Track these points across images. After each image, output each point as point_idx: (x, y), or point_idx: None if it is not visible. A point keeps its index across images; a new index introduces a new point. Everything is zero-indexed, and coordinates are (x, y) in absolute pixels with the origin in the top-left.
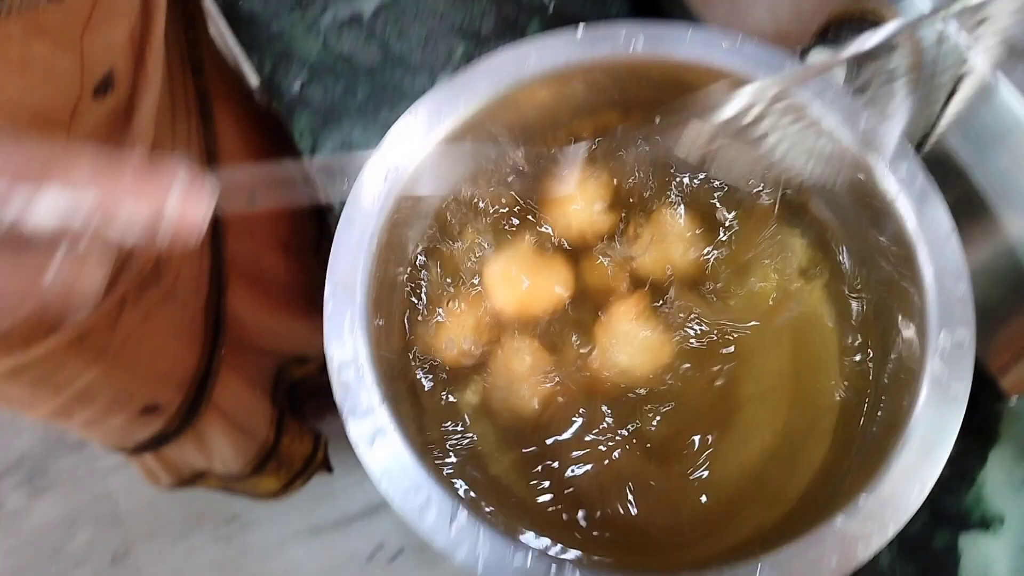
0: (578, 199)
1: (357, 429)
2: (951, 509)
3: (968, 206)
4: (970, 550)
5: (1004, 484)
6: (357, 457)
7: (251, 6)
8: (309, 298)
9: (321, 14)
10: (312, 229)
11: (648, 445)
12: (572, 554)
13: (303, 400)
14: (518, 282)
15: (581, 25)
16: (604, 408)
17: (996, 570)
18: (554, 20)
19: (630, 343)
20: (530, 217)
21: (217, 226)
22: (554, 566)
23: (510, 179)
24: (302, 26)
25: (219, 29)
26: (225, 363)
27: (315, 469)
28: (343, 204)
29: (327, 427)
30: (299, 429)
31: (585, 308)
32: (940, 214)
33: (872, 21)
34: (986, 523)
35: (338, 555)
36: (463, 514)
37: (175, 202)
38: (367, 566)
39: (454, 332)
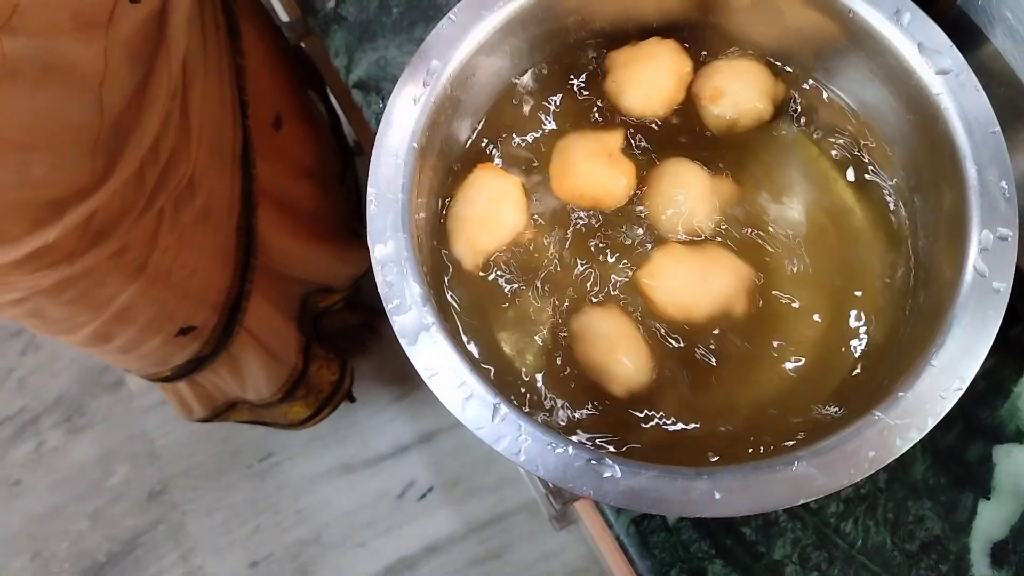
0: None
1: (401, 324)
2: (986, 421)
3: (1015, 108)
4: (1004, 461)
5: None
6: (387, 396)
7: None
8: (332, 227)
9: None
10: (336, 161)
11: (699, 349)
12: (611, 446)
13: (332, 333)
14: (575, 169)
15: None
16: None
17: None
18: None
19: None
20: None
21: (247, 147)
22: (593, 458)
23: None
24: None
25: None
26: (256, 288)
27: (343, 396)
28: (379, 120)
29: (355, 363)
30: (326, 356)
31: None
32: (985, 110)
33: None
34: (1020, 435)
35: (369, 493)
36: (505, 408)
37: None
38: (397, 503)
39: (501, 228)
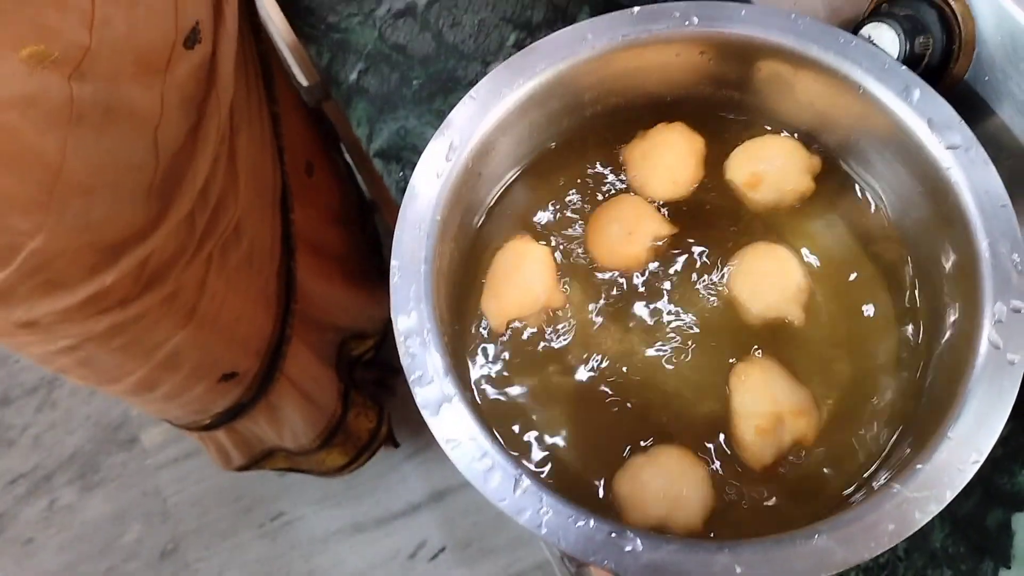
0: (664, 151)
1: (423, 396)
2: (1004, 488)
3: (1022, 181)
4: (1023, 529)
5: None
6: (399, 455)
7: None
8: (361, 271)
9: (376, 6)
10: (358, 208)
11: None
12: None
13: (365, 378)
14: (606, 233)
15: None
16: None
17: None
18: (604, 8)
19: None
20: (609, 177)
21: (285, 192)
22: (615, 530)
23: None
24: (358, 17)
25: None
26: (296, 334)
27: (380, 443)
28: (400, 186)
29: (388, 406)
30: (364, 403)
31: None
32: (995, 184)
33: None
34: None
35: (381, 552)
36: (527, 480)
37: None
38: (410, 563)
39: (524, 292)
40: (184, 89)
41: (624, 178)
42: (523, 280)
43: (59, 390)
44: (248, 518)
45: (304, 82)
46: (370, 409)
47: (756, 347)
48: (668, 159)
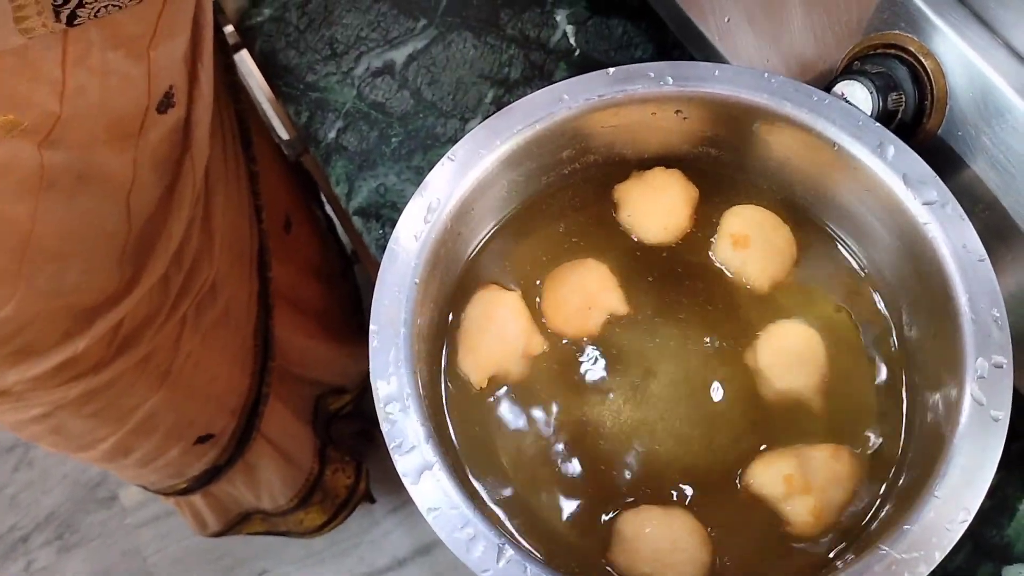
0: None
1: (404, 464)
2: (993, 541)
3: (999, 234)
4: None
5: None
6: (382, 509)
7: (287, 58)
8: (341, 326)
9: (355, 64)
10: (338, 260)
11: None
12: None
13: (343, 433)
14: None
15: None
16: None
17: None
18: (581, 65)
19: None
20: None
21: (263, 250)
22: None
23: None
24: (336, 76)
25: (250, 86)
26: (273, 391)
27: (358, 500)
28: (380, 244)
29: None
30: (341, 459)
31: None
32: (972, 239)
33: (898, 53)
34: None
35: None
36: (510, 550)
37: None
38: None
39: (500, 344)
40: (157, 153)
41: (616, 217)
42: (497, 329)
43: (36, 449)
44: None
45: (284, 135)
46: (347, 465)
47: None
48: (665, 202)
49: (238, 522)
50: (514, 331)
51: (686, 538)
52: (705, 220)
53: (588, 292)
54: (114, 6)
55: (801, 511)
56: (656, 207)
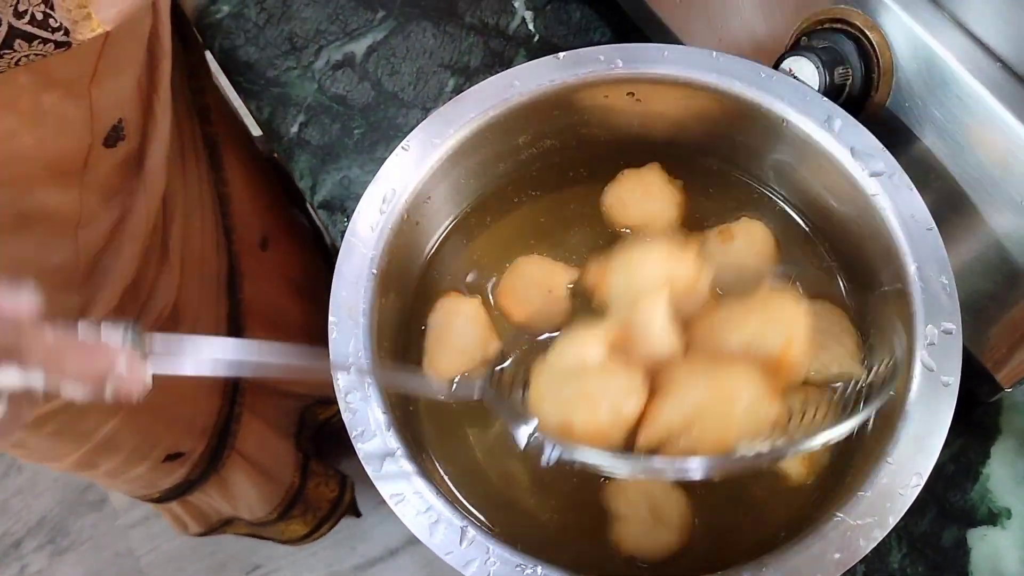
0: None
1: (365, 452)
2: (958, 505)
3: (950, 202)
4: (979, 545)
5: (1008, 478)
6: (372, 500)
7: (247, 54)
8: (324, 339)
9: (315, 58)
10: (322, 272)
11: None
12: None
13: (330, 442)
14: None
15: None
16: None
17: (1006, 563)
18: (540, 50)
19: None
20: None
21: (232, 273)
22: None
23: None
24: (297, 71)
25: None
26: (248, 408)
27: (342, 513)
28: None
29: (352, 468)
30: (325, 473)
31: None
32: (920, 209)
33: (844, 28)
34: (993, 517)
35: None
36: (472, 531)
37: (120, 370)
38: None
39: (460, 352)
40: (106, 186)
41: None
42: (456, 340)
43: None
44: (224, 574)
45: (256, 132)
46: (331, 479)
47: None
48: (654, 196)
49: (220, 526)
50: (472, 339)
51: (669, 496)
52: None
53: (542, 280)
54: (37, 55)
55: (792, 464)
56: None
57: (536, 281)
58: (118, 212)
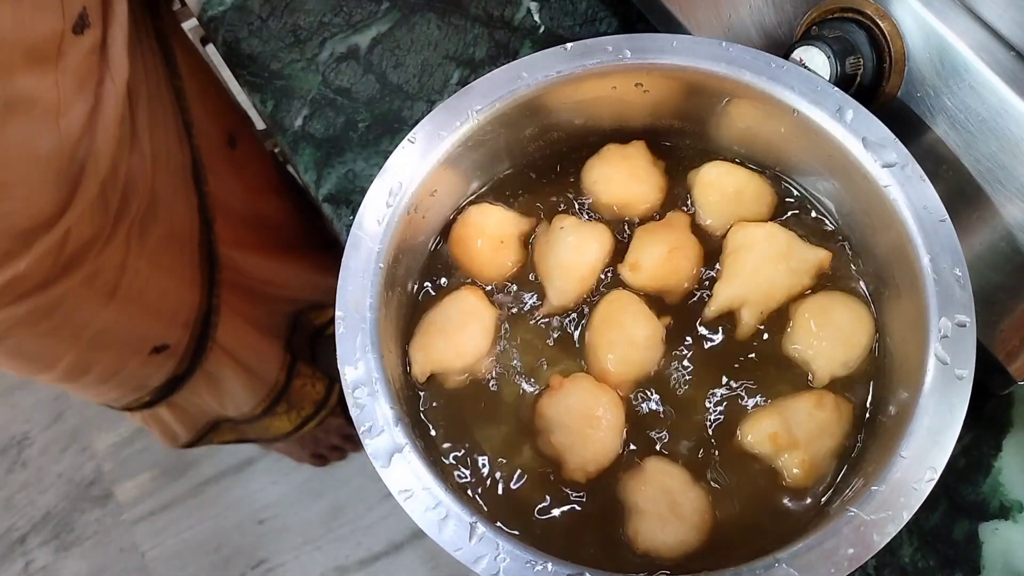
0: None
1: (373, 447)
2: (969, 499)
3: (962, 193)
4: (990, 539)
5: (1020, 471)
6: (377, 494)
7: (251, 47)
8: (303, 240)
9: (319, 50)
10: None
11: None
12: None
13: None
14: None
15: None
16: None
17: (1018, 557)
18: (546, 42)
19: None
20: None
21: (197, 166)
22: (574, 573)
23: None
24: (301, 63)
25: (223, 78)
26: (227, 304)
27: (327, 413)
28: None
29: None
30: (312, 375)
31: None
32: (933, 200)
33: (855, 17)
34: (1005, 511)
35: None
36: (482, 527)
37: None
38: None
39: (456, 353)
40: (78, 74)
41: (581, 202)
42: (461, 340)
43: (29, 449)
44: (228, 568)
45: (261, 125)
46: (318, 380)
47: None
48: (636, 170)
49: (207, 431)
50: (470, 344)
51: (688, 493)
52: (673, 189)
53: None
54: None
55: (791, 465)
56: (624, 180)
57: (486, 231)
58: (91, 100)
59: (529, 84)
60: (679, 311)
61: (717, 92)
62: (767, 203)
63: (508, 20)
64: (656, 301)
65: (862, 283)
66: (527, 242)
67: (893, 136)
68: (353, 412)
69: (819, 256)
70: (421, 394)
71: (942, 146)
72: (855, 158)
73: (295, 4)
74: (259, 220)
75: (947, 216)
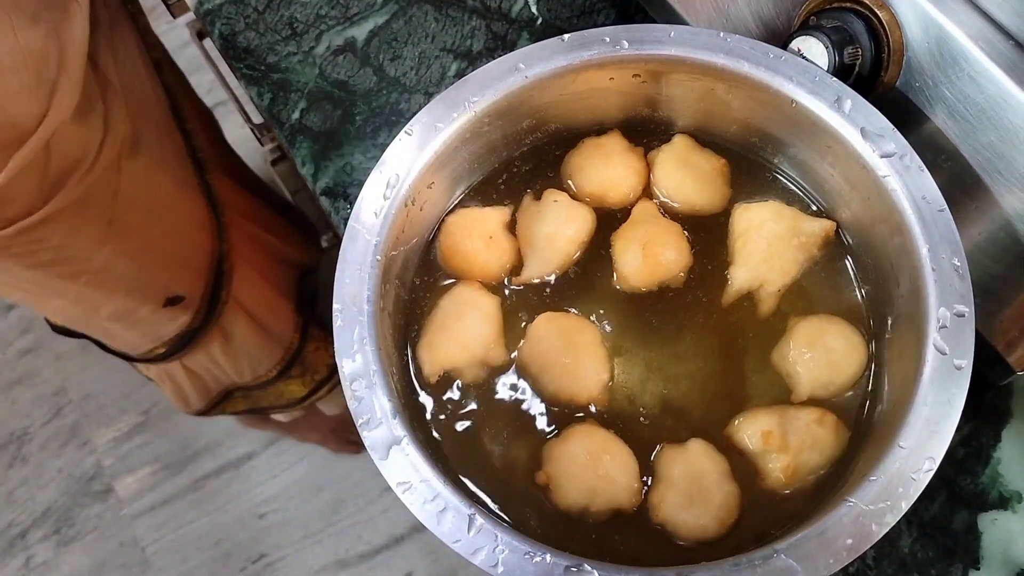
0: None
1: (371, 440)
2: (968, 489)
3: (961, 183)
4: (990, 529)
5: (1020, 462)
6: (377, 487)
7: (247, 40)
8: (285, 204)
9: (316, 43)
10: None
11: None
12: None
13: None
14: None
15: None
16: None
17: (1018, 547)
18: (543, 33)
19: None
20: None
21: (176, 109)
22: (572, 564)
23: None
24: (298, 56)
25: (220, 72)
26: (238, 252)
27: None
28: (347, 225)
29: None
30: (325, 338)
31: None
32: (931, 190)
33: (854, 6)
34: (1004, 501)
35: None
36: (480, 519)
37: None
38: None
39: (462, 346)
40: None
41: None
42: (462, 332)
43: (29, 444)
44: (230, 563)
45: (257, 120)
46: (331, 344)
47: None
48: (613, 162)
49: (220, 400)
50: (479, 338)
51: (724, 486)
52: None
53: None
54: None
55: (775, 467)
56: (605, 167)
57: (472, 231)
58: (56, 15)
59: (526, 76)
60: (685, 298)
61: (714, 83)
62: (717, 168)
63: (505, 12)
64: (663, 295)
65: (849, 259)
66: (514, 229)
67: (892, 126)
68: (351, 405)
69: (824, 226)
70: (418, 386)
71: (941, 136)
72: (854, 148)
73: None
74: (248, 175)
75: (946, 206)
